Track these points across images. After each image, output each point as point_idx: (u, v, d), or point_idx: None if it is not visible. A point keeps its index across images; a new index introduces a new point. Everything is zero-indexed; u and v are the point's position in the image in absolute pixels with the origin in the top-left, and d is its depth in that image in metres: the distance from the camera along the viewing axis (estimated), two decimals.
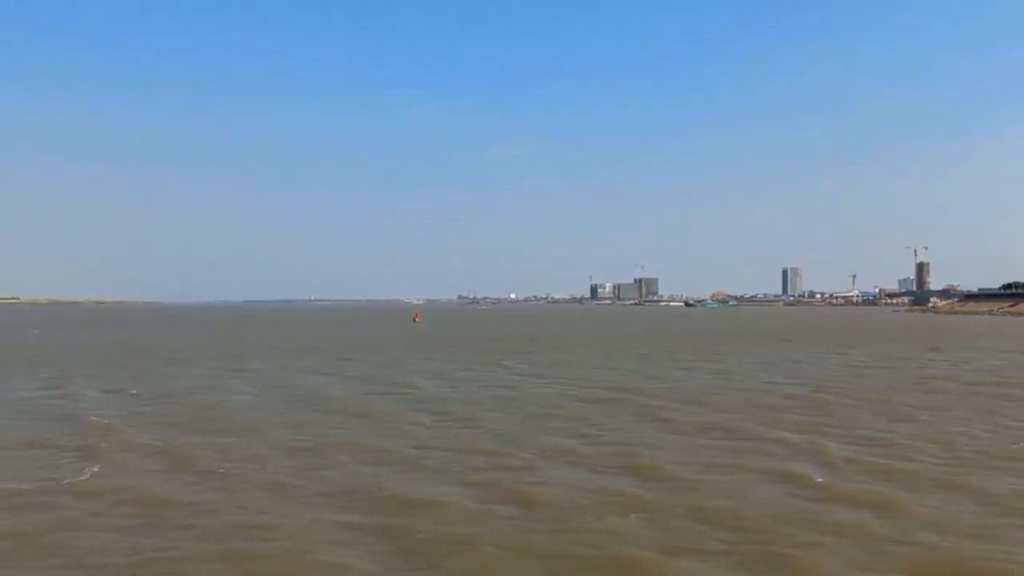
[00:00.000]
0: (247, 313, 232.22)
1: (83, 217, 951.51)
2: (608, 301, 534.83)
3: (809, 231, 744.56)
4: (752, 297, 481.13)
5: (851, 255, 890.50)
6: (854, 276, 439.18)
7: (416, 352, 55.80)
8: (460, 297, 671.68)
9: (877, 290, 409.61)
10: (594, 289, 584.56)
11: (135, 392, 30.56)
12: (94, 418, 23.65)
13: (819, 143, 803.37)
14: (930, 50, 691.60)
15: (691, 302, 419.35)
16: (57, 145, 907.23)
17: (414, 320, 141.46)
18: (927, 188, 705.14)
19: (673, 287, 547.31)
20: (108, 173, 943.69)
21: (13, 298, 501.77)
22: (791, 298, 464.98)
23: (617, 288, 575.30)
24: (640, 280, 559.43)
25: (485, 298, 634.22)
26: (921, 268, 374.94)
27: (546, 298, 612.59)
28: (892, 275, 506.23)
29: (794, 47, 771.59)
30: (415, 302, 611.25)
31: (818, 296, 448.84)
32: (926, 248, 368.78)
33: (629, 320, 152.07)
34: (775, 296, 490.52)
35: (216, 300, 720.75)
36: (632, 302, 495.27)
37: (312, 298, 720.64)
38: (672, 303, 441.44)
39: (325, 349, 59.50)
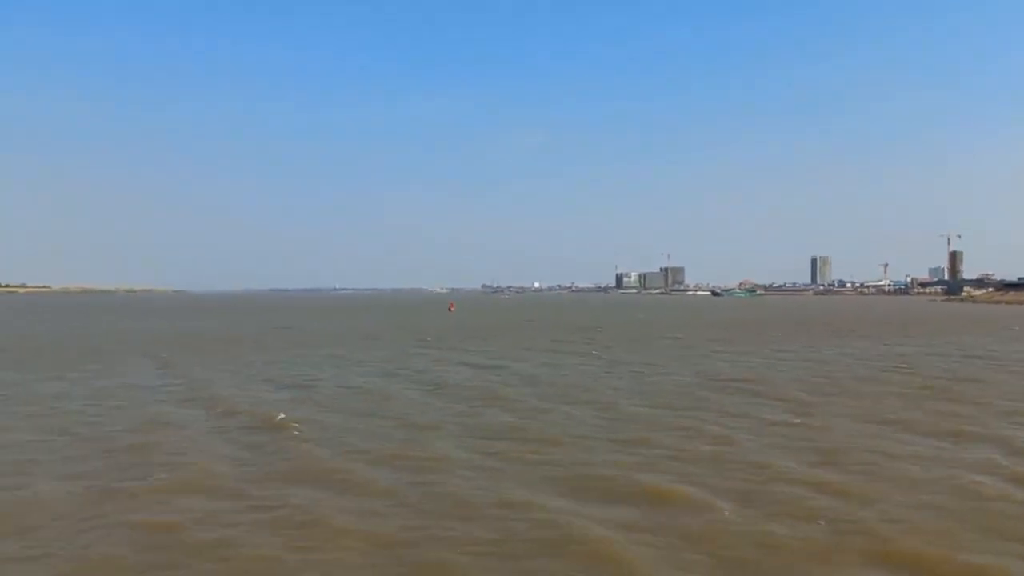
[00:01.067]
0: (282, 302, 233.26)
1: (111, 208, 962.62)
2: (634, 290, 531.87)
3: (837, 220, 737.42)
4: (780, 287, 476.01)
5: (880, 244, 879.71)
6: (886, 265, 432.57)
7: (497, 341, 55.05)
8: (484, 286, 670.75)
9: (909, 279, 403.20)
10: (619, 278, 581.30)
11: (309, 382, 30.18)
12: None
13: (848, 130, 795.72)
14: (958, 35, 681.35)
15: (718, 291, 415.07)
16: (82, 139, 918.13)
17: (449, 309, 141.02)
18: (957, 176, 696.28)
19: (699, 276, 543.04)
20: (131, 166, 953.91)
21: (45, 287, 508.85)
22: (820, 287, 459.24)
23: (643, 277, 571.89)
24: (666, 269, 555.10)
25: (509, 287, 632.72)
26: (954, 257, 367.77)
27: (571, 287, 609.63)
28: (921, 264, 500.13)
29: (822, 32, 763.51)
30: (439, 291, 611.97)
31: (848, 285, 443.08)
32: (959, 237, 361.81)
33: (666, 309, 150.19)
34: (804, 285, 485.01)
35: (242, 288, 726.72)
36: (658, 291, 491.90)
37: (337, 287, 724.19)
38: (699, 292, 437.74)
39: (391, 337, 58.98)
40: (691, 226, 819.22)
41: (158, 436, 18.95)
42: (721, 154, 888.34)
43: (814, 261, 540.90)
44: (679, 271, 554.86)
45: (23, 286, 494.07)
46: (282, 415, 21.57)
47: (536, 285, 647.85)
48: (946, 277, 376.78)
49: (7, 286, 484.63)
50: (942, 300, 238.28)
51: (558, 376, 32.53)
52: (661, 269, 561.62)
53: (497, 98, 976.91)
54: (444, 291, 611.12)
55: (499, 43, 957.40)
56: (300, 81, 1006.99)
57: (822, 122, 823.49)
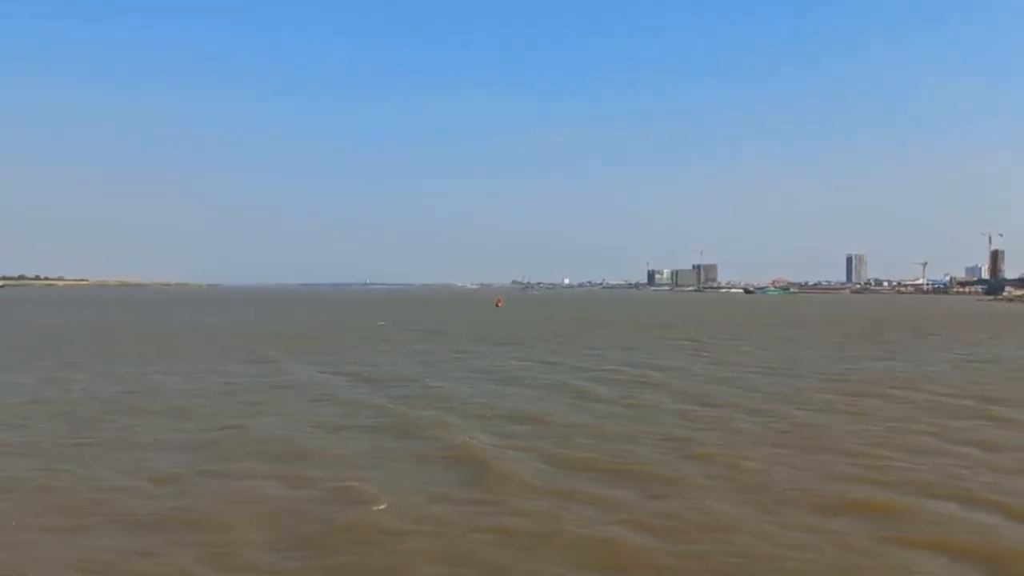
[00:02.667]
0: (329, 295, 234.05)
1: (143, 203, 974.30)
2: (666, 287, 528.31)
3: (873, 217, 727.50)
4: (815, 284, 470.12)
5: (917, 242, 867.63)
6: (924, 263, 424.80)
7: (596, 339, 53.58)
8: (514, 282, 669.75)
9: (948, 278, 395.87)
10: (651, 275, 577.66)
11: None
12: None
13: (883, 125, 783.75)
14: (1002, 28, 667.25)
15: (751, 289, 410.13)
16: (108, 134, 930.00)
17: (497, 305, 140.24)
18: (997, 173, 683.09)
19: (731, 273, 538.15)
20: (158, 161, 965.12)
21: (82, 280, 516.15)
22: (856, 285, 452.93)
23: (675, 274, 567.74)
24: (698, 266, 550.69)
25: (539, 283, 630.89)
26: (995, 256, 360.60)
27: (601, 283, 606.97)
28: (956, 263, 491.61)
29: (856, 25, 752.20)
30: (469, 286, 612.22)
31: (885, 284, 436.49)
32: (1001, 235, 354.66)
33: (711, 307, 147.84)
34: (839, 283, 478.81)
35: (273, 282, 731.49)
36: (691, 288, 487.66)
37: (367, 282, 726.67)
38: (732, 290, 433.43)
39: (457, 333, 58.06)
40: (723, 223, 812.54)
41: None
42: (756, 150, 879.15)
43: (849, 259, 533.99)
44: (712, 268, 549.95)
45: (60, 279, 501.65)
46: None
47: (566, 281, 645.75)
48: (984, 275, 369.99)
49: (46, 279, 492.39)
50: (990, 300, 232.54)
51: (740, 377, 31.03)
52: (693, 266, 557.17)
53: (525, 93, 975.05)
54: (474, 287, 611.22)
55: (526, 37, 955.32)
56: (327, 76, 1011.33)
57: (858, 117, 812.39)
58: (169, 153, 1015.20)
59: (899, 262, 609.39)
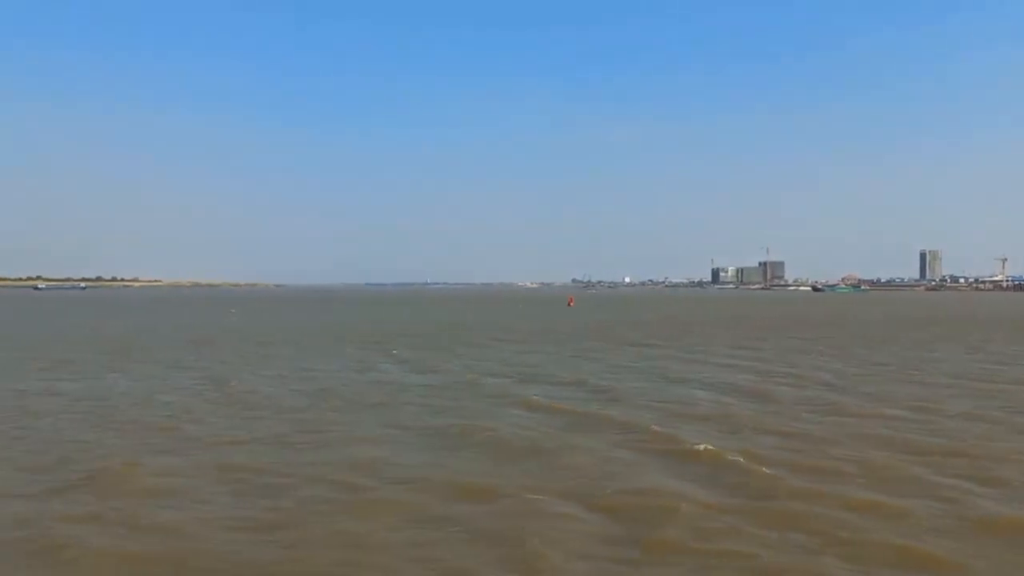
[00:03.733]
0: (389, 296, 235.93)
1: (212, 208, 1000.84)
2: (731, 285, 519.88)
3: (948, 211, 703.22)
4: (888, 282, 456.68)
5: (995, 238, 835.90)
6: (1004, 260, 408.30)
7: (718, 341, 52.11)
8: (574, 281, 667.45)
9: None
10: (715, 273, 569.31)
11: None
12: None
13: (960, 117, 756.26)
14: None
15: (819, 287, 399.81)
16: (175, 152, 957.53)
17: (569, 304, 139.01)
18: None
19: (798, 270, 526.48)
20: (226, 166, 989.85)
21: (156, 281, 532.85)
22: (931, 283, 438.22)
23: (740, 272, 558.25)
24: (765, 263, 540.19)
25: (600, 282, 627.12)
26: None
27: (663, 282, 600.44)
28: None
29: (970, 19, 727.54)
30: (529, 286, 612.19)
31: (961, 281, 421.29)
32: None
33: (790, 306, 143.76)
34: (913, 281, 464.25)
35: (339, 282, 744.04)
36: (757, 286, 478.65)
37: (428, 282, 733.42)
38: (800, 288, 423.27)
39: (562, 331, 56.63)
40: (790, 218, 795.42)
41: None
42: (824, 143, 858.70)
43: (923, 255, 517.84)
44: (779, 265, 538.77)
45: (136, 280, 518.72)
46: None
47: (627, 280, 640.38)
48: None
49: (122, 280, 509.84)
50: None
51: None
52: (760, 264, 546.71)
53: (592, 90, 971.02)
54: (534, 286, 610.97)
55: (588, 35, 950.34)
56: (391, 79, 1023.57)
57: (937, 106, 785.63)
58: (235, 162, 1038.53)
59: (975, 258, 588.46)
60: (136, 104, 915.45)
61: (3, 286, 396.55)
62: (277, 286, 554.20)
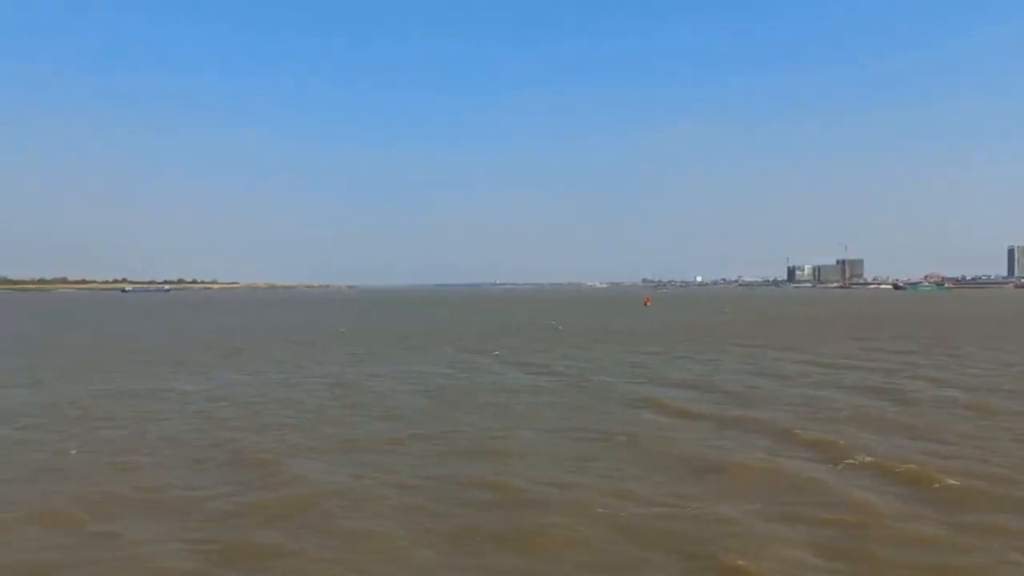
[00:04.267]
0: (463, 296, 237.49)
1: (284, 211, 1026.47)
2: (808, 284, 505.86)
3: None
4: (973, 279, 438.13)
5: None
6: None
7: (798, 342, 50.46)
8: (644, 280, 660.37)
9: None
10: (791, 271, 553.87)
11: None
12: None
13: None
14: None
15: (900, 284, 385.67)
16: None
17: (646, 304, 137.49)
18: None
19: (877, 268, 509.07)
20: (294, 173, 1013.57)
21: (233, 283, 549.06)
22: (1020, 280, 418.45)
23: (817, 270, 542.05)
24: (843, 261, 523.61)
25: (671, 281, 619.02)
26: None
27: (736, 281, 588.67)
28: None
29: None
30: (597, 285, 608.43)
31: None
32: None
33: (883, 304, 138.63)
34: (1000, 278, 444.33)
35: (407, 283, 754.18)
36: (835, 285, 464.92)
37: (497, 281, 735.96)
38: (881, 286, 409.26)
39: (660, 335, 55.53)
40: (869, 214, 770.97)
41: None
42: (903, 133, 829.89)
43: (1011, 251, 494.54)
44: (857, 263, 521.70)
45: (214, 282, 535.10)
46: None
47: (699, 279, 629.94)
48: None
49: (201, 282, 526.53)
50: None
51: None
52: (837, 261, 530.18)
53: (660, 83, 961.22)
54: (603, 285, 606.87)
55: (653, 31, 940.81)
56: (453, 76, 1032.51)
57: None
58: (310, 171, 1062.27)
59: None
60: (212, 119, 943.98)
61: (92, 288, 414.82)
62: (349, 287, 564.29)
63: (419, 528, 11.44)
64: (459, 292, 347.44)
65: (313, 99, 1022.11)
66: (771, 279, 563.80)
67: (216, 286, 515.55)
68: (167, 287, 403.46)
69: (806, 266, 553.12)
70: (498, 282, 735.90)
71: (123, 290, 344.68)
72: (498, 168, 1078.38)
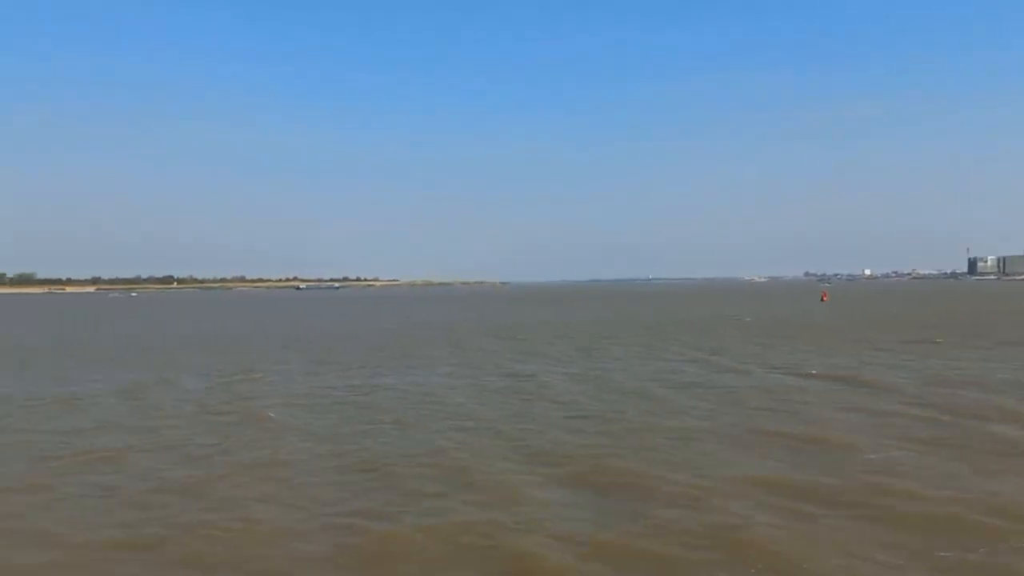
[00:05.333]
0: (621, 291, 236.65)
1: (444, 212, 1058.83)
2: (992, 276, 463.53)
3: None
4: None
5: None
6: None
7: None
8: (807, 274, 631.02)
9: None
10: (972, 262, 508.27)
11: None
12: None
13: None
14: None
15: None
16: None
17: (822, 299, 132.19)
18: None
19: None
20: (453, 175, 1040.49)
21: (394, 281, 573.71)
22: None
23: (1002, 261, 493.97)
24: None
25: (836, 275, 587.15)
26: None
27: (909, 274, 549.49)
28: None
29: None
30: (756, 280, 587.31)
31: None
32: None
33: None
34: None
35: (559, 279, 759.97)
36: (1022, 278, 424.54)
37: (650, 277, 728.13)
38: None
39: (856, 331, 53.68)
40: None
41: None
42: None
43: None
44: None
45: (376, 280, 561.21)
46: None
47: (867, 272, 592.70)
48: None
49: (365, 280, 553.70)
50: None
51: None
52: None
53: (830, 66, 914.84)
54: (762, 280, 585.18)
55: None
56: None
57: None
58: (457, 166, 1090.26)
59: None
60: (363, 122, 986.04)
61: (268, 287, 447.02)
62: (503, 284, 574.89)
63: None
64: (617, 288, 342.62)
65: (483, 97, 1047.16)
66: (949, 271, 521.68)
67: (379, 284, 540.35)
68: (336, 285, 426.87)
69: (989, 257, 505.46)
70: (651, 277, 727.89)
71: (298, 288, 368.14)
72: (645, 157, 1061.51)
